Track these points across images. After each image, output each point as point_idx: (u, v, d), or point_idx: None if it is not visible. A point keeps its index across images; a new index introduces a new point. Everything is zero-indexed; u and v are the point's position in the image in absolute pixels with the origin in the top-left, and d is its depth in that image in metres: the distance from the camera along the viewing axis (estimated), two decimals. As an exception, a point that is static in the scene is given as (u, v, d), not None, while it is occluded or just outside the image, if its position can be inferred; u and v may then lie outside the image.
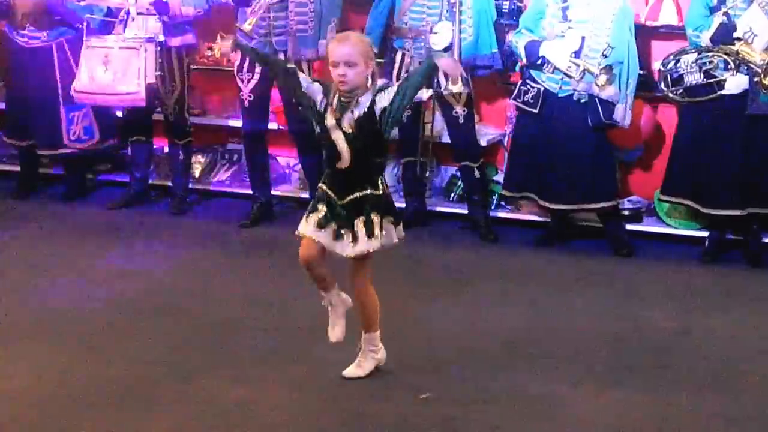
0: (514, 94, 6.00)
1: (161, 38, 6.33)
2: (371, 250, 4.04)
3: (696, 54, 5.65)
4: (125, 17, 6.29)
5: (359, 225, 4.02)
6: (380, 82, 4.09)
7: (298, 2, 6.08)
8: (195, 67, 6.90)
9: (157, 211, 6.76)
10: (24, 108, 6.71)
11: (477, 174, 6.27)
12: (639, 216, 6.38)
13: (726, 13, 5.53)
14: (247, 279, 5.50)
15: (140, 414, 3.93)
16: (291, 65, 4.39)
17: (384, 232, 4.07)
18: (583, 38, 5.71)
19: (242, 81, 6.28)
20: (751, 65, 5.48)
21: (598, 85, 5.64)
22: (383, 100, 3.98)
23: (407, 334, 4.77)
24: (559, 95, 5.81)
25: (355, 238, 4.02)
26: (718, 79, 5.60)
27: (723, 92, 5.61)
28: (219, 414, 3.95)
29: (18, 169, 7.15)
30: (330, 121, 4.01)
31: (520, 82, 6.00)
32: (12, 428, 3.81)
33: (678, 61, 5.72)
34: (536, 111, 5.87)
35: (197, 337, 4.70)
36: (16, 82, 6.74)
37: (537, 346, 4.70)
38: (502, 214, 6.56)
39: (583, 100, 5.76)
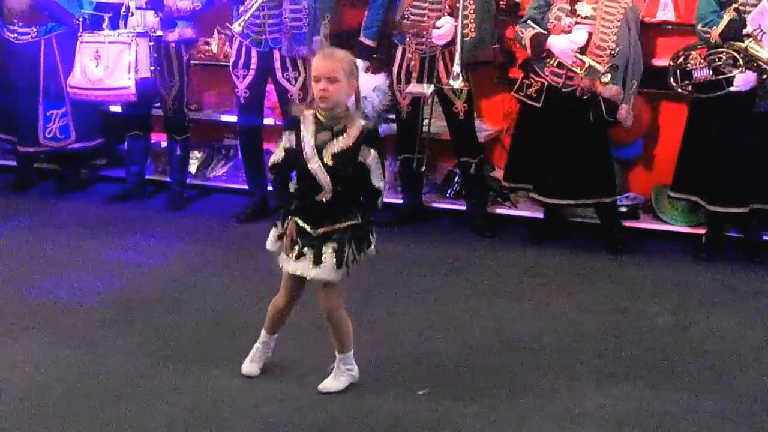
0: (516, 87, 6.01)
1: (159, 33, 6.32)
2: (332, 281, 3.94)
3: (705, 50, 5.65)
4: (126, 12, 6.27)
5: (329, 251, 3.90)
6: (362, 121, 3.96)
7: None
8: (192, 62, 6.89)
9: (154, 205, 6.75)
10: (8, 103, 6.68)
11: (474, 170, 6.27)
12: (636, 213, 6.38)
13: (736, 9, 5.53)
14: (243, 273, 5.49)
15: (137, 406, 3.93)
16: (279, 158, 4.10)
17: (355, 264, 3.97)
18: (589, 35, 5.71)
19: (237, 78, 6.28)
20: (760, 62, 5.48)
21: (602, 83, 5.63)
22: (367, 155, 3.88)
23: (404, 330, 4.78)
24: (563, 90, 5.81)
25: (318, 262, 3.91)
26: (726, 75, 5.60)
27: (731, 89, 5.61)
28: (215, 407, 3.95)
29: (14, 164, 7.13)
30: (309, 150, 3.87)
31: (522, 75, 6.01)
32: (10, 420, 3.80)
33: (687, 56, 5.72)
34: (539, 105, 5.87)
35: (194, 330, 4.70)
36: (3, 76, 6.68)
37: (534, 341, 4.70)
38: (498, 211, 6.56)
39: (585, 97, 5.75)
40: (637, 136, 6.29)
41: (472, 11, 5.94)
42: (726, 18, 5.54)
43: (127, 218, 6.43)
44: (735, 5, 5.54)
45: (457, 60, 5.89)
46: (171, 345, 4.53)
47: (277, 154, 4.03)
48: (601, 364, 4.46)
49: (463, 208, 6.49)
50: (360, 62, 6.09)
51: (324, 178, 3.87)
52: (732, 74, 5.57)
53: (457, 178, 6.64)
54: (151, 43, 6.28)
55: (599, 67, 5.62)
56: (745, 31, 5.50)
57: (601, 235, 6.14)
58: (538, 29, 5.80)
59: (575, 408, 4.04)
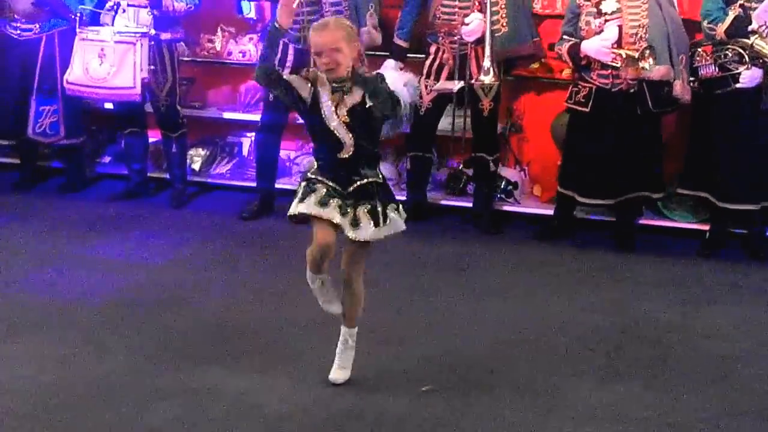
0: (567, 96, 6.02)
1: (153, 32, 6.31)
2: (373, 239, 3.96)
3: (710, 47, 5.63)
4: (115, 8, 6.25)
5: (363, 212, 3.95)
6: (365, 70, 4.05)
7: None
8: (196, 59, 6.89)
9: (157, 203, 6.75)
10: (3, 98, 6.67)
11: (492, 167, 6.28)
12: (639, 209, 6.36)
13: (742, 6, 5.51)
14: (247, 271, 5.50)
15: (141, 406, 3.93)
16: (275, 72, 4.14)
17: (389, 221, 4.00)
18: (619, 27, 5.70)
19: None
20: (766, 59, 5.46)
21: (646, 69, 5.60)
22: (371, 99, 3.95)
23: (408, 327, 4.78)
24: (613, 90, 5.80)
25: (356, 223, 3.94)
26: (732, 72, 5.58)
27: (737, 86, 5.59)
28: (219, 406, 3.95)
29: (18, 161, 7.13)
30: (327, 111, 3.96)
31: (572, 83, 6.02)
32: (13, 420, 3.81)
33: (693, 53, 5.71)
34: (587, 110, 5.86)
35: (198, 329, 4.70)
36: (4, 74, 6.66)
37: (538, 339, 4.70)
38: (504, 208, 6.55)
39: (632, 90, 5.73)
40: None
41: (503, 6, 5.96)
42: (731, 15, 5.53)
43: (130, 216, 6.43)
44: (740, 2, 5.52)
45: (487, 54, 5.90)
46: (174, 344, 4.53)
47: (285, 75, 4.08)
48: (606, 363, 4.46)
49: (468, 205, 6.49)
50: (392, 62, 6.14)
51: (345, 134, 3.95)
52: (738, 71, 5.56)
53: (461, 175, 6.63)
54: (152, 43, 6.29)
55: (634, 54, 5.60)
56: (750, 28, 5.49)
57: (616, 233, 6.13)
58: (573, 40, 5.81)
59: (579, 406, 4.04)
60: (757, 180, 5.75)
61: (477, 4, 6.02)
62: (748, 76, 5.54)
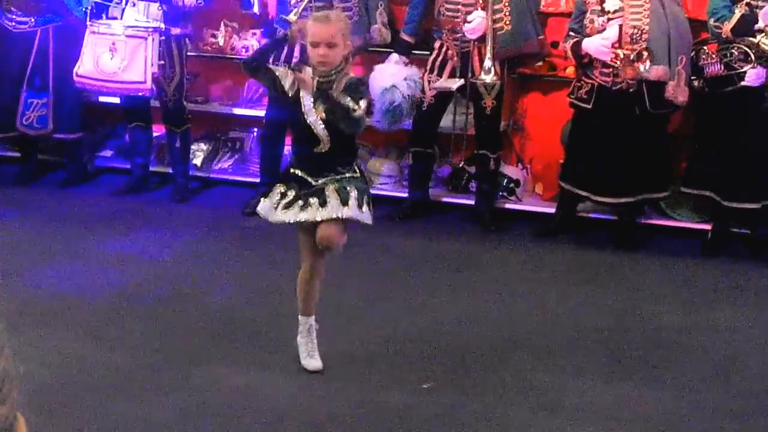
0: (570, 91, 6.02)
1: (163, 26, 6.31)
2: (341, 216, 3.98)
3: (716, 45, 5.62)
4: (124, 2, 6.25)
5: (331, 190, 4.01)
6: (351, 74, 4.10)
7: None
8: (199, 54, 6.90)
9: (159, 198, 6.74)
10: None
11: (492, 165, 6.28)
12: (641, 208, 6.36)
13: (748, 4, 5.50)
14: (249, 266, 5.49)
15: (143, 400, 3.94)
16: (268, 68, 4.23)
17: (364, 210, 4.03)
18: (620, 27, 5.69)
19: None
20: None
21: (642, 70, 5.60)
22: (343, 99, 3.97)
23: (409, 324, 4.77)
24: (613, 88, 5.79)
25: (324, 203, 3.99)
26: (738, 71, 5.57)
27: (743, 84, 5.58)
28: (222, 401, 3.96)
29: (18, 155, 7.12)
30: (307, 105, 4.03)
31: (575, 79, 6.02)
32: (15, 414, 3.80)
33: (698, 52, 5.70)
34: (590, 107, 5.86)
35: (200, 324, 4.70)
36: (1, 68, 6.64)
37: (539, 337, 4.70)
38: (506, 206, 6.54)
39: (632, 90, 5.73)
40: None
41: (506, 4, 5.95)
42: (738, 13, 5.51)
43: (131, 210, 6.42)
44: (746, 0, 5.51)
45: (488, 53, 5.89)
46: (176, 339, 4.53)
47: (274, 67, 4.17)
48: (607, 362, 4.46)
49: (470, 202, 6.48)
50: (396, 56, 6.15)
51: (321, 130, 4.01)
52: (743, 69, 5.55)
53: (464, 173, 6.63)
54: (163, 38, 6.29)
55: (630, 54, 5.59)
56: (756, 27, 5.48)
57: (616, 231, 6.12)
58: (578, 37, 5.81)
59: (581, 405, 4.04)
60: (760, 179, 5.74)
61: (480, 1, 6.02)
62: (754, 75, 5.53)
